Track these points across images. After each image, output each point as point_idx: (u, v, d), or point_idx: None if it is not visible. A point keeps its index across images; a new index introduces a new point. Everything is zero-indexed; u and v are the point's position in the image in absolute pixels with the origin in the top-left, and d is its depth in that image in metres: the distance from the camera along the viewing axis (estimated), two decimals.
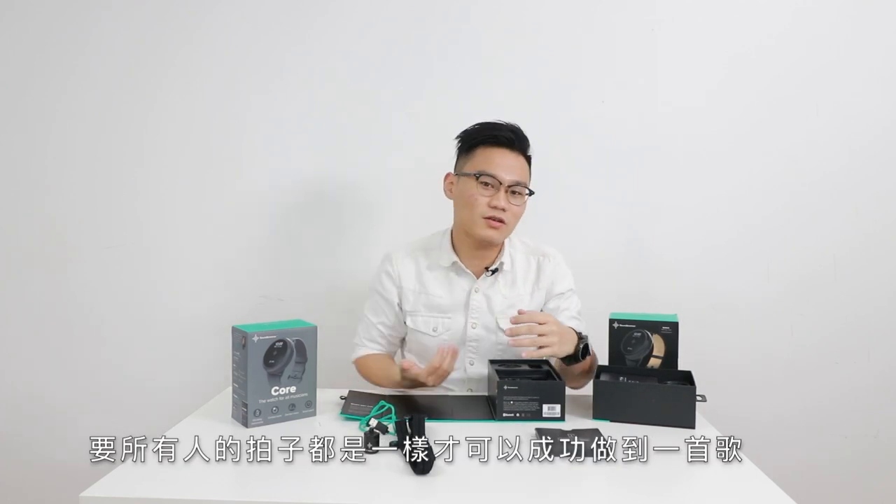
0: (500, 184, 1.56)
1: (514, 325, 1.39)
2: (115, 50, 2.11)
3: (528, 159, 1.64)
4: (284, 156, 2.12)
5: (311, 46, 2.09)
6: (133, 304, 2.15)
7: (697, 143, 2.08)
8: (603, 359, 1.54)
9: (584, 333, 1.50)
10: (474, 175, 1.57)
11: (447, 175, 1.68)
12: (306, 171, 2.12)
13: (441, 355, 1.45)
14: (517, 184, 1.58)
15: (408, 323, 1.69)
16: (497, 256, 1.68)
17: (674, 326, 1.50)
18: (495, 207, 1.56)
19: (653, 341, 1.51)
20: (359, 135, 2.10)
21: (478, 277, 1.67)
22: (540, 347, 1.36)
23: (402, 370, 1.52)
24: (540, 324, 1.39)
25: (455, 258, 1.67)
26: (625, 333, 1.52)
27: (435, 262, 1.69)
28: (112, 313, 2.15)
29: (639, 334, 1.51)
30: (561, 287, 1.70)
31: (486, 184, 1.57)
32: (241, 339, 1.34)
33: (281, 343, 1.35)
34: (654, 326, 1.51)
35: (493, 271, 1.66)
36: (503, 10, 2.07)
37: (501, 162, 1.57)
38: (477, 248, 1.66)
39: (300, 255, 2.14)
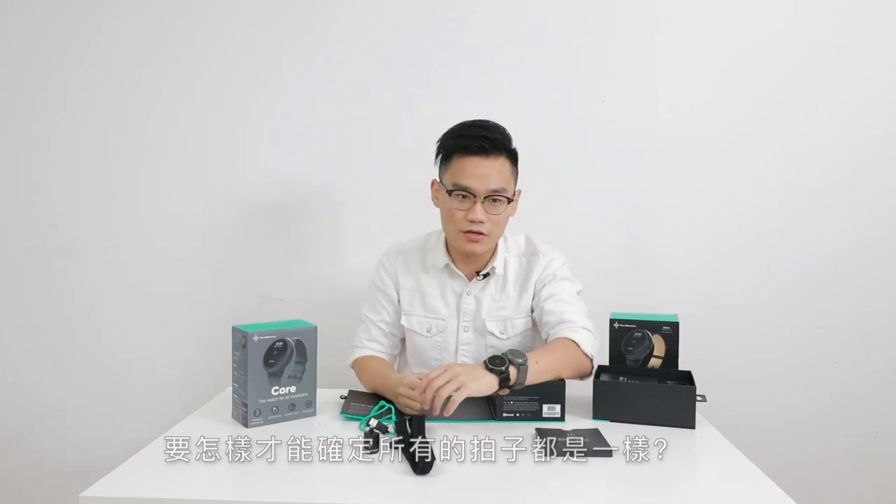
0: (476, 196, 1.50)
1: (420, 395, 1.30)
2: (116, 50, 2.11)
3: (512, 155, 1.56)
4: (285, 156, 2.12)
5: (311, 47, 2.09)
6: (133, 304, 2.15)
7: (697, 142, 2.08)
8: (603, 359, 1.54)
9: (509, 360, 1.35)
10: (448, 189, 1.53)
11: (433, 182, 1.63)
12: (306, 171, 2.12)
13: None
14: (494, 192, 1.51)
15: (403, 322, 1.68)
16: (489, 260, 1.64)
17: (674, 326, 1.50)
18: (472, 221, 1.51)
19: (653, 341, 1.51)
20: (359, 134, 2.10)
21: (470, 280, 1.65)
22: (450, 398, 1.26)
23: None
24: (435, 378, 1.29)
25: (448, 260, 1.65)
26: (625, 333, 1.52)
27: (430, 263, 1.67)
28: (112, 313, 2.15)
29: (639, 334, 1.52)
30: (547, 273, 1.63)
31: (463, 196, 1.51)
32: (241, 339, 1.34)
33: (281, 343, 1.35)
34: (655, 326, 1.51)
35: (485, 275, 1.64)
36: (503, 11, 2.07)
37: (475, 172, 1.50)
38: (465, 254, 1.63)
39: (300, 255, 2.14)
